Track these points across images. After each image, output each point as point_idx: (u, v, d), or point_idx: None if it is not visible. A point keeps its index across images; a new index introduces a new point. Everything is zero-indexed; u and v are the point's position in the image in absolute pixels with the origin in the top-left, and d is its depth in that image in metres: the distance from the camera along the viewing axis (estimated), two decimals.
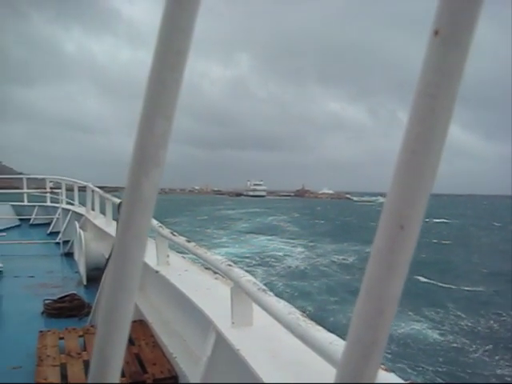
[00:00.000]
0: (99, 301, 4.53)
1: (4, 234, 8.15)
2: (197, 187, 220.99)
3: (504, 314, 15.82)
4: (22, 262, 7.77)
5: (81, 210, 9.27)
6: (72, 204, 10.40)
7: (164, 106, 0.38)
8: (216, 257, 2.84)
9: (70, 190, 10.76)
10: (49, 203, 12.08)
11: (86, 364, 3.25)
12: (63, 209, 9.97)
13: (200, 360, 2.61)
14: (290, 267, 23.69)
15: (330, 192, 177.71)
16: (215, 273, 3.46)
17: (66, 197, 10.73)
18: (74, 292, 5.41)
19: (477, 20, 0.32)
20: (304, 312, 1.85)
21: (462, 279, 21.40)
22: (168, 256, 4.12)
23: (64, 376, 3.10)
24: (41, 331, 3.84)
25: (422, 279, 20.31)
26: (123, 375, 2.96)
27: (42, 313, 4.99)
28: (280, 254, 27.94)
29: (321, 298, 17.41)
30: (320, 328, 1.62)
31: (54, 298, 5.19)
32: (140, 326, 3.75)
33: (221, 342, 2.46)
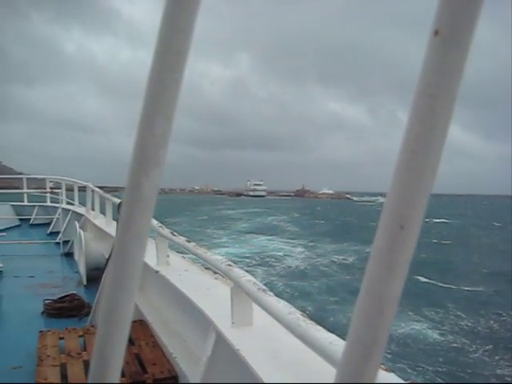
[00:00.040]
0: (99, 301, 4.53)
1: (4, 234, 8.15)
2: (197, 187, 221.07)
3: (504, 314, 15.82)
4: (22, 262, 7.77)
5: (81, 209, 9.27)
6: (72, 204, 10.40)
7: (164, 105, 0.38)
8: (216, 257, 2.84)
9: (69, 189, 10.76)
10: (49, 203, 12.08)
11: (86, 364, 3.25)
12: (63, 209, 9.97)
13: (200, 360, 2.61)
14: (290, 267, 23.69)
15: (330, 192, 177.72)
16: (215, 273, 3.46)
17: (66, 197, 10.73)
18: (74, 292, 5.41)
19: (477, 20, 0.32)
20: (304, 312, 1.84)
21: (462, 279, 21.40)
22: (168, 256, 4.12)
23: (64, 376, 3.10)
24: (41, 331, 3.84)
25: (422, 279, 20.31)
26: (123, 375, 2.96)
27: (42, 313, 4.99)
28: (280, 254, 27.94)
29: (321, 298, 17.42)
30: (320, 328, 1.62)
31: (54, 297, 5.19)
32: (140, 326, 3.75)
33: (221, 342, 2.46)
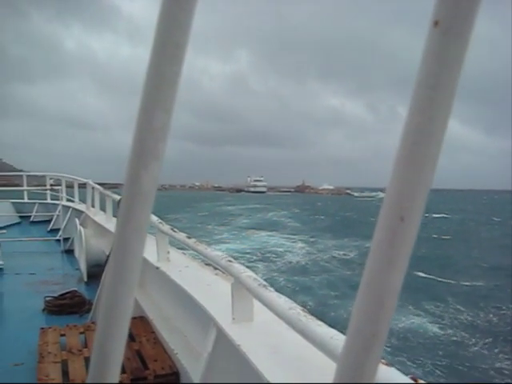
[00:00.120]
0: (100, 297, 4.53)
1: (4, 231, 8.14)
2: (197, 183, 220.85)
3: (504, 308, 15.87)
4: (23, 259, 7.78)
5: (81, 206, 9.27)
6: (72, 201, 10.39)
7: (163, 99, 0.38)
8: (216, 253, 2.84)
9: (70, 186, 10.75)
10: (49, 200, 12.08)
11: (87, 361, 3.25)
12: (63, 206, 9.97)
13: (201, 356, 2.62)
14: (290, 263, 23.73)
15: (331, 187, 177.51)
16: (215, 269, 3.46)
17: (66, 194, 10.73)
18: (75, 289, 5.42)
19: (477, 10, 0.32)
20: (305, 307, 1.85)
21: (462, 274, 21.44)
22: (168, 252, 4.12)
23: (65, 373, 3.11)
24: (42, 328, 3.84)
25: (422, 274, 20.34)
26: (124, 371, 2.97)
27: (43, 310, 5.00)
28: (281, 249, 27.98)
29: (322, 293, 17.45)
30: (321, 323, 1.62)
31: (55, 294, 5.19)
32: (141, 323, 3.76)
33: (221, 337, 2.46)
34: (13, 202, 12.28)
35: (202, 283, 3.31)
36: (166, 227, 3.85)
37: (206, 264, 3.75)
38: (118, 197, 6.28)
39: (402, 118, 0.34)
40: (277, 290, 2.08)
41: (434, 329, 13.73)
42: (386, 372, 1.22)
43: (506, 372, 10.83)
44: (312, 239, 33.25)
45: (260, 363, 2.00)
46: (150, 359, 3.17)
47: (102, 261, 5.66)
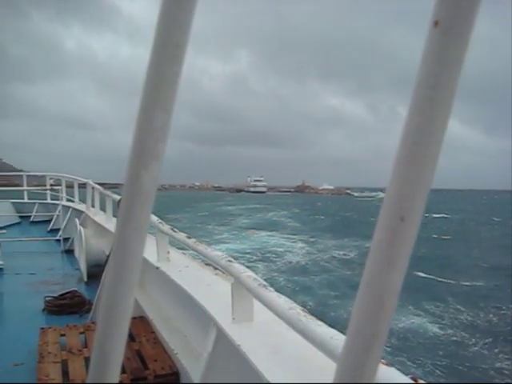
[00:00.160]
0: (100, 297, 4.53)
1: (4, 231, 8.13)
2: (197, 183, 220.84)
3: (504, 308, 15.87)
4: (23, 259, 7.78)
5: (81, 206, 9.27)
6: (72, 201, 10.39)
7: (163, 99, 0.38)
8: (216, 253, 2.84)
9: (70, 186, 10.75)
10: (49, 200, 12.08)
11: (88, 361, 3.25)
12: (63, 206, 9.96)
13: (201, 356, 2.62)
14: (290, 263, 23.74)
15: (331, 187, 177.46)
16: (215, 269, 3.46)
17: (66, 194, 10.73)
18: (75, 289, 5.41)
19: (477, 10, 0.32)
20: (305, 307, 1.85)
21: (462, 274, 21.43)
22: (168, 252, 4.12)
23: (65, 373, 3.11)
24: (42, 328, 3.84)
25: (422, 274, 20.34)
26: (124, 372, 2.97)
27: (43, 310, 5.00)
28: (281, 249, 27.97)
29: (322, 293, 17.45)
30: (321, 323, 1.62)
31: (55, 294, 5.19)
32: (141, 323, 3.76)
33: (221, 337, 2.46)
34: (13, 202, 12.28)
35: (202, 283, 3.31)
36: (166, 227, 3.85)
37: (206, 264, 3.75)
38: (118, 197, 6.28)
39: (402, 118, 0.34)
40: (277, 290, 2.08)
41: (434, 329, 13.74)
42: (386, 372, 1.22)
43: (506, 372, 10.83)
44: (312, 239, 33.24)
45: (260, 363, 2.00)
46: (150, 359, 3.17)
47: (102, 261, 5.66)
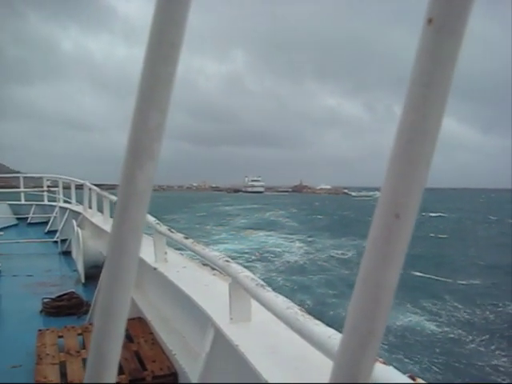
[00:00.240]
0: (98, 298, 4.52)
1: (1, 233, 8.12)
2: (195, 184, 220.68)
3: (500, 305, 15.93)
4: (20, 261, 7.75)
5: (78, 208, 9.24)
6: (69, 202, 10.36)
7: (158, 99, 0.37)
8: (214, 253, 2.83)
9: (67, 188, 10.72)
10: (46, 202, 12.04)
11: (86, 362, 3.24)
12: (60, 207, 9.94)
13: (199, 356, 2.62)
14: (288, 262, 23.74)
15: (328, 187, 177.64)
16: (213, 269, 3.46)
17: (63, 195, 10.70)
18: (73, 290, 5.41)
19: (471, 8, 0.32)
20: (303, 306, 1.85)
21: (459, 272, 21.49)
22: (166, 253, 4.11)
23: (63, 374, 3.11)
24: (40, 330, 3.84)
25: (419, 273, 20.38)
26: (123, 372, 2.96)
27: (41, 311, 4.99)
28: (279, 249, 27.98)
29: (320, 292, 17.47)
30: (318, 322, 1.62)
31: (53, 296, 5.18)
32: (139, 324, 3.75)
33: (219, 338, 2.46)
34: (10, 204, 12.24)
35: (200, 283, 3.30)
36: (163, 228, 3.85)
37: (204, 264, 3.74)
38: (115, 198, 6.27)
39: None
40: (275, 290, 2.08)
41: (432, 326, 13.78)
42: (384, 371, 1.22)
43: (502, 369, 10.87)
44: (310, 239, 33.26)
45: (258, 363, 2.00)
46: (148, 360, 3.16)
47: (99, 262, 5.66)
